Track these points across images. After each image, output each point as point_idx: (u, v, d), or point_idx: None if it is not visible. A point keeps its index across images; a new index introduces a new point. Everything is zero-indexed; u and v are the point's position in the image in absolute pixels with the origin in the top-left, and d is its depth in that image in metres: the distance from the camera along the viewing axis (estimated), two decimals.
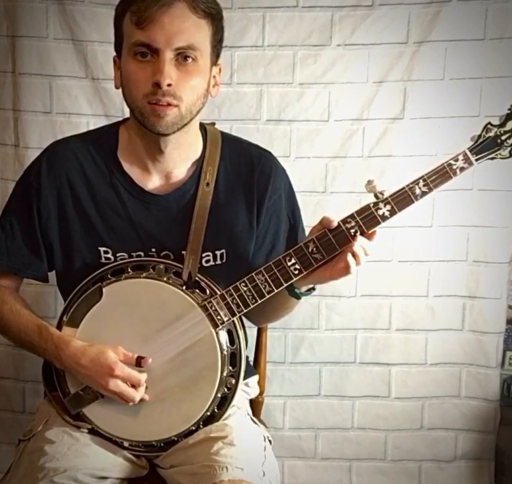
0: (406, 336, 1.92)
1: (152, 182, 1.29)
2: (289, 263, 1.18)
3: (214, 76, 1.27)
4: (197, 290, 1.24)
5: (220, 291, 1.22)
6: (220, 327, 1.20)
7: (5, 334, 1.33)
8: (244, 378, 1.43)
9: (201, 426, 1.25)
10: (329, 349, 1.93)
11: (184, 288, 1.22)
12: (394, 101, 1.81)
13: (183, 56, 1.17)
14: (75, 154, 1.29)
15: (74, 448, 1.24)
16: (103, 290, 1.23)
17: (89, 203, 1.28)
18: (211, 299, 1.20)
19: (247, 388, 1.46)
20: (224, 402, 1.26)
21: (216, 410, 1.25)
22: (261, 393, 1.55)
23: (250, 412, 1.41)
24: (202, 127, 1.34)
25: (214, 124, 1.39)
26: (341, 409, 1.96)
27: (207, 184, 1.28)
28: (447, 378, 1.94)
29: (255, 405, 1.54)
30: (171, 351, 1.20)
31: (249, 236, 1.33)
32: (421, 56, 1.78)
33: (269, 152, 1.38)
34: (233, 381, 1.25)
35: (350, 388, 1.95)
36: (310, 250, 1.17)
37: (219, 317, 1.20)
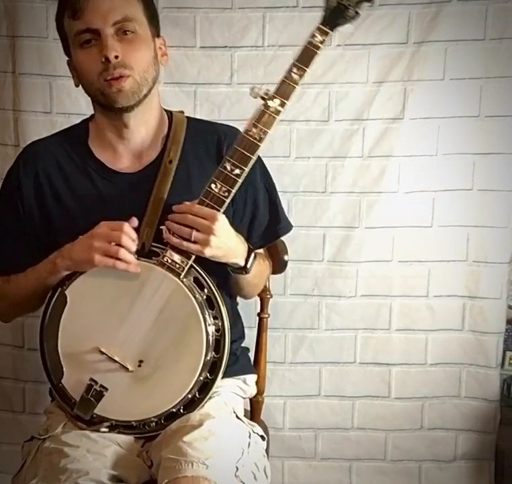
0: (406, 336, 1.92)
1: (123, 162, 1.35)
2: (216, 190, 1.22)
3: (160, 48, 1.34)
4: (153, 257, 1.24)
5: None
6: (182, 274, 1.22)
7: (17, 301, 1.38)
8: (243, 374, 1.43)
9: (209, 376, 1.25)
10: (329, 349, 1.93)
11: (136, 257, 1.22)
12: (394, 101, 1.81)
13: (122, 30, 1.25)
14: (48, 148, 1.36)
15: (94, 450, 1.23)
16: (66, 293, 1.24)
17: (66, 192, 1.33)
18: (164, 253, 1.22)
19: (245, 386, 1.45)
20: (218, 346, 1.25)
21: (215, 355, 1.25)
22: (261, 393, 1.55)
23: (238, 410, 1.38)
24: (168, 112, 1.40)
25: (182, 112, 1.43)
26: (341, 409, 1.95)
27: (170, 162, 1.32)
28: (447, 378, 1.93)
29: (255, 405, 1.54)
30: (149, 318, 1.22)
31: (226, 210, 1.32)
32: (421, 56, 1.78)
33: (236, 128, 1.40)
34: (218, 322, 1.25)
35: (350, 388, 1.95)
36: (228, 169, 1.22)
37: (178, 265, 1.22)
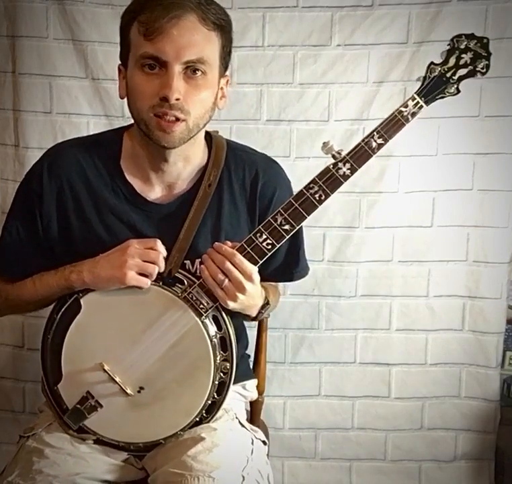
0: (406, 336, 1.92)
1: (154, 192, 1.28)
2: (260, 240, 1.17)
3: (222, 88, 1.24)
4: (177, 284, 1.21)
5: (198, 280, 1.19)
6: (205, 315, 1.19)
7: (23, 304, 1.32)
8: (243, 380, 1.43)
9: (204, 414, 1.24)
10: (329, 349, 1.93)
11: (161, 283, 1.20)
12: (394, 101, 1.80)
13: (192, 69, 1.15)
14: (77, 158, 1.27)
15: (75, 454, 1.23)
16: (81, 301, 1.20)
17: (91, 208, 1.26)
18: (191, 289, 1.18)
19: (244, 392, 1.45)
20: (222, 388, 1.24)
21: (215, 396, 1.24)
22: (261, 393, 1.55)
23: (240, 415, 1.38)
24: (207, 134, 1.32)
25: (217, 132, 1.37)
26: (341, 409, 1.96)
27: (209, 185, 1.27)
28: (447, 378, 1.94)
29: (255, 406, 1.54)
30: (160, 349, 1.19)
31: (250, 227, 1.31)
32: (421, 56, 1.78)
33: (275, 162, 1.37)
34: (227, 365, 1.23)
35: (350, 388, 1.95)
36: (278, 222, 1.17)
37: (202, 306, 1.18)
